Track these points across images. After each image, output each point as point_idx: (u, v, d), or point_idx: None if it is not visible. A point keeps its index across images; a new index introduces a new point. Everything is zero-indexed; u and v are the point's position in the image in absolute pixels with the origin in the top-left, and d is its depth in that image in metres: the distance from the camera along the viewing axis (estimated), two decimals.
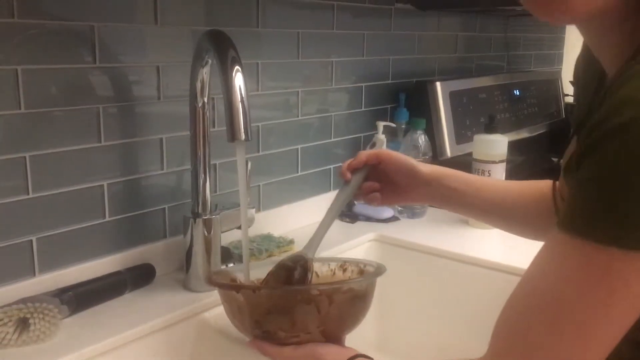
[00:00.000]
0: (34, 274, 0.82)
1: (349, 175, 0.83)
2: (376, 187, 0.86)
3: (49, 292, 0.80)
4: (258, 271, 0.80)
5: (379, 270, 0.76)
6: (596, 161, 0.45)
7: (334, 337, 0.71)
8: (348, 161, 0.85)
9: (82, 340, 0.74)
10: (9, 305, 0.74)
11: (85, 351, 0.72)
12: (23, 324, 0.73)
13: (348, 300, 0.70)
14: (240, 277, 0.80)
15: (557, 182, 0.72)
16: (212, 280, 0.75)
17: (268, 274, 0.78)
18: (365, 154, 0.84)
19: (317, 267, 0.82)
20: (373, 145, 0.86)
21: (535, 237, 0.79)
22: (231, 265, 0.96)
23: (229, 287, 0.73)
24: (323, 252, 1.05)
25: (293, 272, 0.75)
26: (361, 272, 0.81)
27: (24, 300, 0.75)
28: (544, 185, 0.80)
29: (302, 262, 0.77)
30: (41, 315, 0.73)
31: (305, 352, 0.68)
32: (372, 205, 0.87)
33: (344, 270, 0.83)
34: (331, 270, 0.83)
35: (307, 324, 0.68)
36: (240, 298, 0.69)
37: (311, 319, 0.68)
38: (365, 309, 0.73)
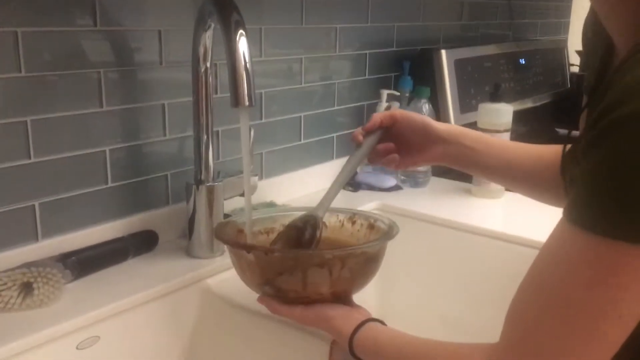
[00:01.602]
0: (37, 239, 0.82)
1: (361, 137, 0.80)
2: (392, 148, 0.83)
3: (52, 257, 0.80)
4: (266, 222, 0.81)
5: (392, 231, 0.75)
6: (602, 152, 0.44)
7: (343, 296, 0.71)
8: (358, 128, 0.83)
9: (86, 305, 0.74)
10: (13, 269, 0.74)
11: (89, 315, 0.73)
12: (27, 288, 0.73)
13: (360, 263, 0.70)
14: (248, 230, 0.79)
15: (566, 151, 0.70)
16: (222, 237, 0.74)
17: (278, 235, 0.78)
18: (379, 115, 0.81)
19: (326, 217, 0.80)
20: (388, 108, 0.84)
21: (556, 204, 0.77)
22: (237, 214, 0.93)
23: (241, 246, 0.72)
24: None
25: (304, 233, 0.75)
26: (371, 227, 0.80)
27: (27, 265, 0.75)
28: (557, 150, 0.78)
29: (312, 222, 0.75)
30: (45, 280, 0.73)
31: (315, 313, 0.68)
32: (390, 168, 0.85)
33: (353, 223, 0.82)
34: (340, 221, 0.83)
35: (319, 286, 0.68)
36: (251, 257, 0.68)
37: (323, 282, 0.68)
38: (377, 269, 0.73)
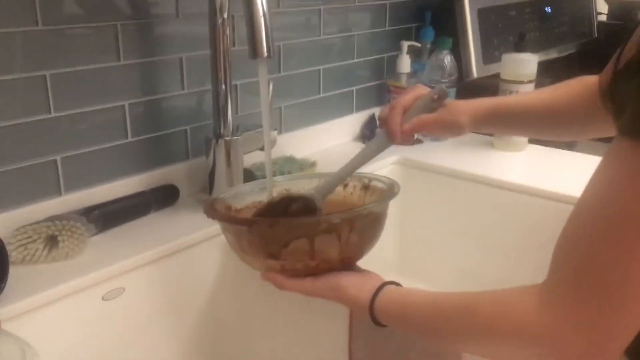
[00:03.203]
0: (60, 193, 0.83)
1: (400, 138, 0.75)
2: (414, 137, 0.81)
3: (76, 210, 0.81)
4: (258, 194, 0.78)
5: (394, 189, 0.71)
6: None
7: (352, 262, 0.69)
8: (397, 116, 0.75)
9: (110, 257, 0.76)
10: (38, 223, 0.76)
11: (114, 267, 0.74)
12: (52, 241, 0.74)
13: (368, 224, 0.67)
14: (236, 205, 0.76)
15: (603, 78, 0.66)
16: (216, 215, 0.68)
17: (268, 204, 0.74)
18: (425, 125, 0.76)
19: (313, 183, 0.78)
20: (436, 100, 0.78)
21: (600, 134, 0.74)
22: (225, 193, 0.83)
23: (241, 221, 0.66)
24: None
25: (291, 205, 0.71)
26: (365, 187, 0.77)
27: (51, 219, 0.76)
28: (590, 81, 0.75)
29: (309, 202, 0.71)
30: (69, 233, 0.75)
31: (327, 284, 0.65)
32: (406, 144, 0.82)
33: (345, 186, 0.78)
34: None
35: (328, 254, 0.65)
36: (253, 232, 0.64)
37: (332, 248, 0.65)
38: (382, 229, 0.71)
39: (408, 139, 0.80)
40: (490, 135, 1.20)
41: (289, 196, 0.73)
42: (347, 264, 0.67)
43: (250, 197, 0.79)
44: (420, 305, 0.60)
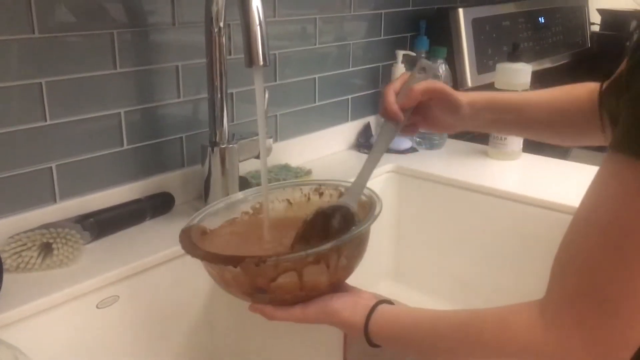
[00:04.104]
0: (55, 201, 0.83)
1: (402, 116, 0.72)
2: (417, 126, 0.79)
3: (71, 218, 0.81)
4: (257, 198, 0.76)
5: (376, 204, 0.68)
6: None
7: (341, 283, 0.67)
8: (391, 96, 0.73)
9: (105, 265, 0.75)
10: (32, 230, 0.75)
11: (108, 275, 0.74)
12: (46, 249, 0.74)
13: (356, 245, 0.66)
14: (210, 226, 0.71)
15: (604, 86, 0.65)
16: (194, 251, 0.63)
17: (303, 223, 0.71)
18: (419, 90, 0.73)
19: (288, 192, 0.77)
20: (422, 70, 0.75)
21: (596, 142, 0.73)
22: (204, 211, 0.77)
23: (226, 261, 0.61)
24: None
25: (331, 220, 0.69)
26: (341, 195, 0.75)
27: (46, 226, 0.76)
28: (591, 87, 0.73)
29: (344, 212, 0.69)
30: (64, 240, 0.74)
31: (318, 310, 0.63)
32: (407, 135, 0.81)
33: (321, 195, 0.76)
34: (305, 195, 0.78)
35: (317, 282, 0.63)
36: (237, 269, 0.60)
37: (321, 277, 0.62)
38: (367, 245, 0.68)
39: (413, 130, 0.78)
40: (485, 144, 1.21)
41: (323, 211, 0.70)
42: (336, 286, 0.66)
43: (223, 213, 0.75)
44: (418, 325, 0.59)
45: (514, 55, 1.19)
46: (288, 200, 0.78)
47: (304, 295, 0.63)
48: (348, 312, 0.63)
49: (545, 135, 0.80)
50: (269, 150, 0.98)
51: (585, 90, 0.74)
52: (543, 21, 1.64)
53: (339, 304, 0.63)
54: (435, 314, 0.59)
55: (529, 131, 0.81)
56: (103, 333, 0.74)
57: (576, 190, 1.04)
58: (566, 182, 1.07)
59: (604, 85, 0.63)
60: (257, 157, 0.96)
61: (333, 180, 0.78)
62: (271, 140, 1.00)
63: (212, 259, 0.62)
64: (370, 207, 0.68)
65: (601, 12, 1.98)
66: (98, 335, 0.74)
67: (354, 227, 0.65)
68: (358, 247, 0.66)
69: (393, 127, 0.74)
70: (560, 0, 1.82)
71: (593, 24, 1.95)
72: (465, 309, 0.58)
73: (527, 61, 1.20)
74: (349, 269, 0.66)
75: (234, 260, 0.60)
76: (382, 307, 0.63)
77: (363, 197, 0.72)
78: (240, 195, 0.78)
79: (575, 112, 0.74)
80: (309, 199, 0.78)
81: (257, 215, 0.77)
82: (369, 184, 0.73)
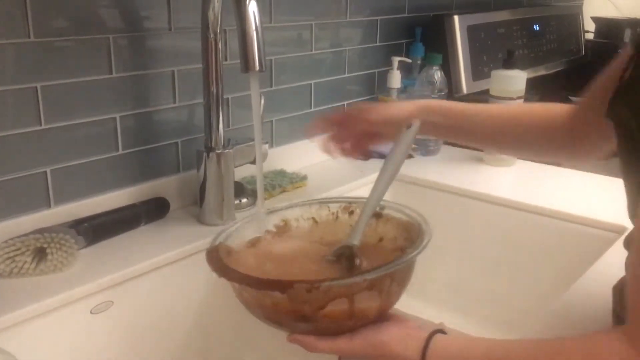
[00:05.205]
0: (49, 206, 0.82)
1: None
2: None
3: (65, 223, 0.81)
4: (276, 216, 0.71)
5: (423, 224, 0.64)
6: None
7: (387, 310, 0.62)
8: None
9: (99, 270, 0.75)
10: (26, 235, 0.75)
11: (102, 281, 0.74)
12: (40, 254, 0.74)
13: (407, 269, 0.61)
14: (234, 245, 0.66)
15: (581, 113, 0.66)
16: (233, 274, 0.57)
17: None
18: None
19: (314, 210, 0.72)
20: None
21: (570, 159, 0.75)
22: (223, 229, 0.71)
23: (272, 286, 0.54)
24: (332, 191, 1.05)
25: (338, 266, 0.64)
26: (378, 215, 0.70)
27: (40, 231, 0.76)
28: (556, 108, 0.75)
29: (347, 254, 0.65)
30: (58, 246, 0.74)
31: (364, 342, 0.58)
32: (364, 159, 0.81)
33: (350, 213, 0.71)
34: (332, 213, 0.73)
35: (367, 310, 0.58)
36: (282, 296, 0.54)
37: (373, 303, 0.57)
38: (413, 271, 0.64)
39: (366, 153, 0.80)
40: (481, 150, 1.21)
41: (339, 253, 0.65)
42: (382, 314, 0.61)
43: (248, 231, 0.70)
44: (490, 357, 0.55)
45: (509, 62, 1.19)
46: (314, 219, 0.73)
47: (351, 325, 0.58)
48: (399, 345, 0.57)
49: (490, 141, 0.81)
50: (264, 155, 0.98)
51: (545, 109, 0.75)
52: (538, 29, 1.65)
53: (388, 335, 0.58)
54: (507, 345, 0.55)
55: (473, 134, 0.81)
56: (97, 339, 0.74)
57: (570, 197, 1.04)
58: (560, 188, 1.08)
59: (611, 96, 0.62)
60: (253, 162, 0.96)
61: (364, 198, 0.69)
62: (267, 145, 1.00)
63: (254, 283, 0.55)
64: (418, 230, 0.64)
65: (595, 20, 1.99)
66: (92, 341, 0.73)
67: (409, 250, 0.60)
68: (408, 272, 0.62)
69: (396, 154, 0.68)
70: (554, 8, 1.83)
71: (587, 31, 1.96)
72: (533, 338, 0.55)
73: (522, 68, 1.21)
74: (397, 295, 0.61)
75: (282, 286, 0.54)
76: (439, 339, 0.57)
77: (403, 217, 0.68)
78: (262, 212, 0.72)
79: (551, 130, 0.74)
80: (337, 217, 0.72)
81: (282, 235, 0.72)
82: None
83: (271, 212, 0.72)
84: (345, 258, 0.64)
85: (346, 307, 0.56)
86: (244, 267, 0.61)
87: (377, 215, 0.70)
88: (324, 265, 0.65)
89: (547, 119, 0.75)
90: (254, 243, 0.69)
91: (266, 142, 1.00)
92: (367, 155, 0.83)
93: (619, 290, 0.64)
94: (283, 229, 0.73)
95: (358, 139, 0.81)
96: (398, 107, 0.79)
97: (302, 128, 1.18)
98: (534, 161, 1.20)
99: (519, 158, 0.79)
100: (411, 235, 0.65)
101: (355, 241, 0.64)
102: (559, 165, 1.16)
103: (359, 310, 0.57)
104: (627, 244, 0.65)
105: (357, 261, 0.63)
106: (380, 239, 0.70)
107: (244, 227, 0.70)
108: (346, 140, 0.80)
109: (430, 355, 0.56)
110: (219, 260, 0.60)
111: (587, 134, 0.69)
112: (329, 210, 0.73)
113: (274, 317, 0.58)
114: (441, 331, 0.58)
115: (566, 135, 0.72)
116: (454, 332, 0.60)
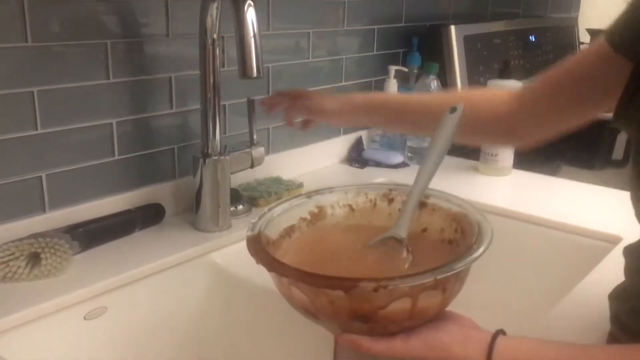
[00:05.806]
0: (44, 210, 0.82)
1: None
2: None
3: (60, 228, 0.80)
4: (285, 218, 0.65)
5: (481, 215, 0.59)
6: None
7: (444, 309, 0.58)
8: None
9: (94, 276, 0.75)
10: (20, 240, 0.75)
11: (96, 286, 0.73)
12: (35, 259, 0.73)
13: (467, 270, 0.57)
14: (272, 235, 0.61)
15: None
16: (282, 268, 0.52)
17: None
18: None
19: (350, 198, 0.68)
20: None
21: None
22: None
23: (332, 283, 0.50)
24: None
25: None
26: (422, 204, 0.65)
27: (35, 236, 0.75)
28: (499, 93, 0.80)
29: (391, 246, 0.61)
30: (52, 251, 0.74)
31: (421, 343, 0.54)
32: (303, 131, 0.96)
33: (390, 201, 0.67)
34: (370, 200, 0.68)
35: (428, 310, 0.54)
36: (340, 293, 0.50)
37: (435, 302, 0.54)
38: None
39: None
40: (476, 159, 1.22)
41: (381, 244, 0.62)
42: (439, 314, 0.57)
43: (284, 220, 0.64)
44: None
45: (505, 72, 1.20)
46: (350, 206, 0.68)
47: (408, 325, 0.55)
48: (459, 347, 0.54)
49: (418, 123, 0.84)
50: (260, 159, 0.98)
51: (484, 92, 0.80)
52: (534, 40, 1.66)
53: (447, 336, 0.55)
54: (579, 349, 0.53)
55: (405, 120, 0.86)
56: (90, 344, 0.73)
57: (566, 207, 1.05)
58: (556, 198, 1.08)
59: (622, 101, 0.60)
60: (250, 167, 0.96)
61: (405, 186, 0.65)
62: (262, 149, 0.99)
63: (313, 281, 0.51)
64: (471, 222, 0.60)
65: (590, 32, 2.00)
66: (85, 347, 0.73)
67: (475, 246, 0.56)
68: (468, 270, 0.57)
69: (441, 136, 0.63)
70: (550, 20, 1.84)
71: (582, 43, 1.97)
72: (608, 344, 0.54)
73: (518, 78, 1.21)
74: (457, 293, 0.57)
75: (345, 284, 0.50)
76: (504, 342, 0.54)
77: (453, 207, 0.64)
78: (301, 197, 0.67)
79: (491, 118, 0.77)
80: (375, 204, 0.68)
81: (316, 222, 0.67)
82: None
83: (307, 197, 0.67)
84: (388, 250, 0.60)
85: (408, 307, 0.52)
86: (288, 260, 0.57)
87: (422, 205, 0.65)
88: (371, 258, 0.61)
89: (492, 103, 0.78)
90: (288, 232, 0.65)
91: (262, 146, 1.00)
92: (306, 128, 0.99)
93: (615, 297, 0.65)
94: (317, 217, 0.68)
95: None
96: (332, 102, 0.91)
97: (299, 135, 1.18)
98: (530, 171, 1.20)
99: (459, 143, 0.77)
100: (462, 227, 0.61)
101: (403, 233, 0.60)
102: (549, 174, 1.17)
103: (419, 310, 0.53)
104: (628, 252, 0.65)
105: (406, 254, 0.59)
106: (424, 230, 0.65)
107: (282, 214, 0.64)
108: (291, 113, 0.96)
109: (496, 359, 0.53)
110: (265, 252, 0.55)
111: (528, 120, 0.73)
112: (367, 197, 0.68)
113: (327, 316, 0.54)
114: (502, 332, 0.55)
115: (512, 119, 0.75)
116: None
